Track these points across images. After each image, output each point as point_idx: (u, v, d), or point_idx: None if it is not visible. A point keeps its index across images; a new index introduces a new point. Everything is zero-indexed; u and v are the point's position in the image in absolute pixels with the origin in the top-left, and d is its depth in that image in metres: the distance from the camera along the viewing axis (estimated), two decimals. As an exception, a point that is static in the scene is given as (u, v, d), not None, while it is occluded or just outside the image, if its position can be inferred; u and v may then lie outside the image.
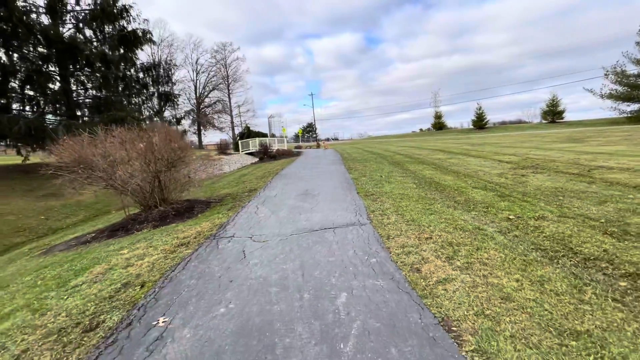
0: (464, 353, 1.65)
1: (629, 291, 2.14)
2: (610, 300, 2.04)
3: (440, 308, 2.08)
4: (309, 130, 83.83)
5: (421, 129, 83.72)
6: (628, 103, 31.53)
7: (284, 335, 1.92)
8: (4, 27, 12.92)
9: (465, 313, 1.99)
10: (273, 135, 37.11)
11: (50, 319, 2.50)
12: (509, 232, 3.41)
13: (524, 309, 1.98)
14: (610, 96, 32.37)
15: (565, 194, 4.84)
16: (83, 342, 2.11)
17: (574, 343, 1.65)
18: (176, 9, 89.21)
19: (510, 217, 3.93)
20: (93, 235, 6.02)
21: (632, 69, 30.27)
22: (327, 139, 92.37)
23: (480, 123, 52.78)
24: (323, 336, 1.88)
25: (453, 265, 2.68)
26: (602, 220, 3.54)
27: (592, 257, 2.67)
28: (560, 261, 2.65)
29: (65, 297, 2.89)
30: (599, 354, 1.57)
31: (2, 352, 2.13)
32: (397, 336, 1.83)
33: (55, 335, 2.23)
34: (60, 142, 5.76)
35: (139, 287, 2.91)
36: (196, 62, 46.15)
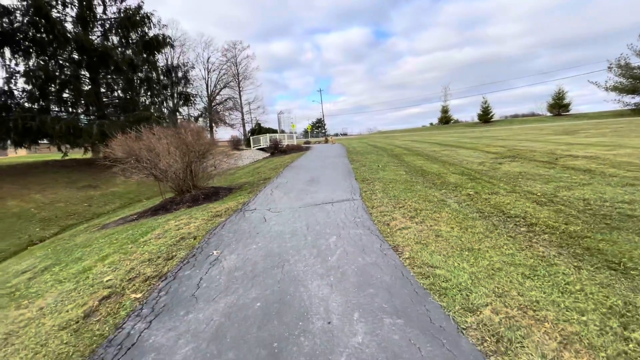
0: (401, 259, 2.76)
1: (522, 232, 3.20)
2: (506, 236, 3.10)
3: (395, 242, 3.18)
4: (319, 125, 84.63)
5: (431, 123, 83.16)
6: (632, 95, 31.50)
7: (294, 255, 3.06)
8: (44, 36, 14.39)
9: (409, 243, 3.09)
10: (283, 131, 38.30)
11: (138, 256, 3.70)
12: (463, 202, 4.47)
13: (446, 240, 3.07)
14: (615, 88, 32.35)
15: (525, 177, 5.81)
16: (167, 264, 3.30)
17: (467, 253, 2.74)
18: (186, 7, 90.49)
19: (470, 193, 4.97)
20: (137, 215, 7.27)
21: (636, 62, 30.22)
22: (336, 134, 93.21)
23: (486, 117, 52.91)
24: (319, 255, 3.01)
25: (412, 221, 3.76)
26: (539, 194, 4.55)
27: (513, 216, 3.71)
28: (489, 218, 3.71)
29: (142, 246, 4.09)
30: (479, 256, 2.65)
31: (116, 270, 3.32)
32: (364, 254, 2.94)
33: (147, 262, 3.43)
34: (115, 138, 6.98)
35: (193, 239, 4.09)
36: (207, 61, 47.33)
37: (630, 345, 1.57)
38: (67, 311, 2.52)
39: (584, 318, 1.80)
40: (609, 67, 32.28)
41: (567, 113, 45.06)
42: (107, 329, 2.19)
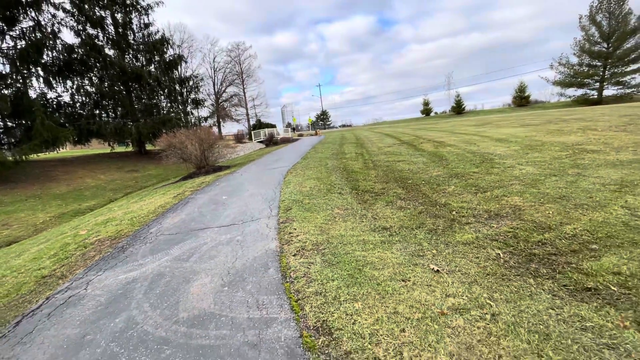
0: (283, 179, 7.19)
1: (337, 171, 7.60)
2: (329, 172, 7.52)
3: (286, 177, 7.61)
4: (323, 118, 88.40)
5: (436, 112, 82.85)
6: (575, 88, 35.08)
7: (247, 183, 7.55)
8: (94, 63, 18.76)
9: (290, 176, 7.52)
10: (289, 125, 42.88)
11: (184, 188, 8.18)
12: (334, 165, 8.85)
13: (305, 175, 7.50)
14: (559, 83, 35.96)
15: (384, 152, 10.13)
16: (198, 188, 7.77)
17: (306, 176, 7.18)
18: (188, 3, 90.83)
19: (344, 160, 9.34)
20: (173, 182, 11.77)
21: (574, 60, 33.73)
22: (343, 125, 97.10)
23: (458, 109, 56.64)
24: (255, 180, 7.48)
25: (302, 170, 8.18)
26: (374, 160, 8.90)
27: (347, 169, 8.10)
28: (335, 169, 8.11)
29: (184, 187, 8.56)
30: (307, 176, 7.08)
31: (178, 190, 7.80)
32: (272, 178, 7.39)
33: (189, 189, 7.92)
34: (159, 136, 11.41)
35: (208, 182, 8.55)
36: (213, 60, 50.50)
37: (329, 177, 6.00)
38: (166, 198, 7.02)
39: (317, 182, 6.22)
40: (550, 65, 35.95)
41: (527, 104, 48.68)
42: (184, 198, 6.68)
